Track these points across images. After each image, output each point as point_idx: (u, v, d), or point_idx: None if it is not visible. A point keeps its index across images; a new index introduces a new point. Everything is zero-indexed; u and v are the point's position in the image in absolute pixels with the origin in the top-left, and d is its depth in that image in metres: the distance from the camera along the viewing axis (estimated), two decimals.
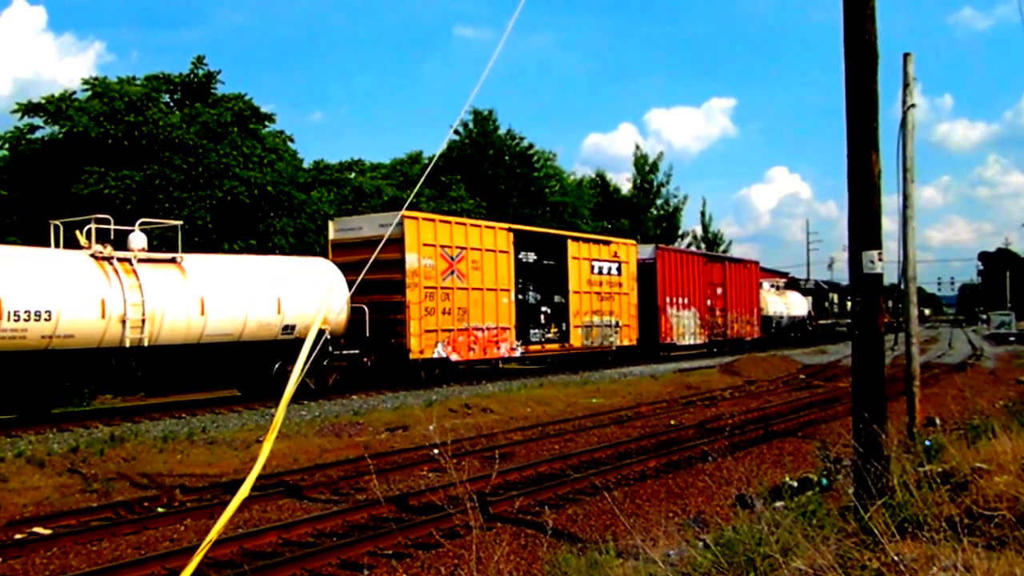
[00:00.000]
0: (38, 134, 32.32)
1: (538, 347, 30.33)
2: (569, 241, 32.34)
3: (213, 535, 4.73)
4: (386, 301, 24.35)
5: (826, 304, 66.38)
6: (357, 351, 23.73)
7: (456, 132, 44.37)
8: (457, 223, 27.30)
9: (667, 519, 9.66)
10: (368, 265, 8.64)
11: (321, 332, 21.85)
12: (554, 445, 15.96)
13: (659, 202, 62.33)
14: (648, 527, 8.86)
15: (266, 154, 32.99)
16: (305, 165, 37.87)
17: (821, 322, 62.89)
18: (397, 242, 24.45)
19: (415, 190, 9.79)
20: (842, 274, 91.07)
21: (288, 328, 21.55)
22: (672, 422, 18.72)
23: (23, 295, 16.77)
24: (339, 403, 20.88)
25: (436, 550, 8.90)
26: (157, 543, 9.43)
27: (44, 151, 31.22)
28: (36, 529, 9.85)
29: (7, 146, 32.54)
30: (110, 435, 15.69)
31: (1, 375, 16.92)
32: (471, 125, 45.37)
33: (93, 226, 18.95)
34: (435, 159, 10.54)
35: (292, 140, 37.43)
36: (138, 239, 19.63)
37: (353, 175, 39.09)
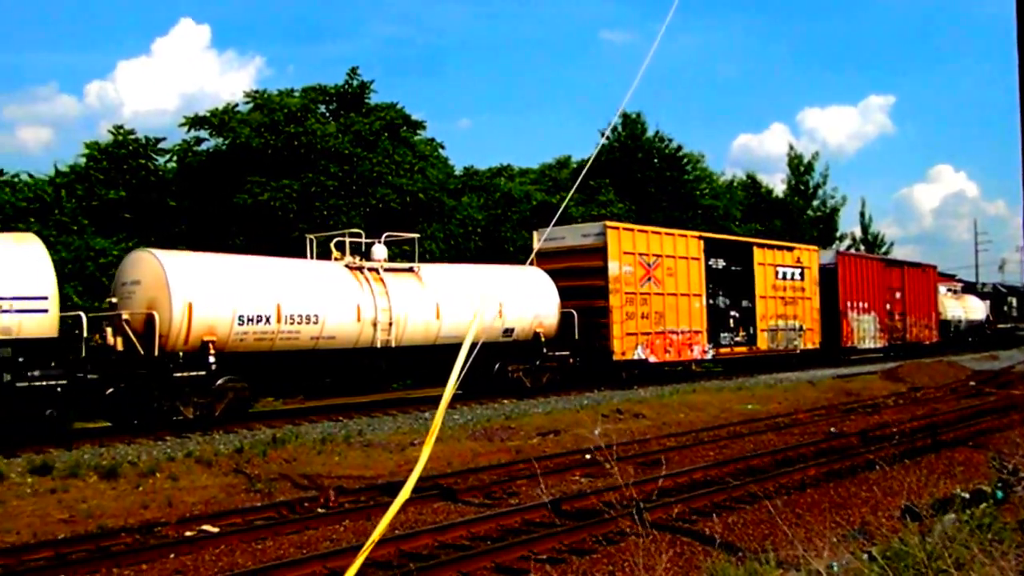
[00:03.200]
0: (204, 146, 33.96)
1: (727, 350, 31.13)
2: (755, 248, 33.21)
3: (376, 536, 4.69)
4: (590, 306, 25.72)
5: (1004, 308, 62.84)
6: (567, 352, 25.10)
7: (605, 136, 44.09)
8: (653, 232, 28.44)
9: (829, 529, 9.17)
10: (523, 257, 8.52)
11: (537, 335, 23.90)
12: (708, 452, 15.51)
13: (815, 203, 60.03)
14: (809, 537, 8.41)
15: (417, 161, 33.55)
16: (456, 171, 38.37)
17: (1000, 326, 59.75)
18: (599, 251, 26.09)
19: (567, 197, 9.61)
20: (1015, 276, 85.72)
21: (508, 331, 23.33)
22: (832, 429, 17.90)
23: (296, 301, 18.95)
24: (491, 407, 20.98)
25: (591, 555, 8.74)
26: (318, 543, 9.59)
27: (209, 162, 32.74)
28: (205, 527, 10.19)
29: (175, 158, 34.33)
30: (272, 437, 16.17)
31: (279, 370, 19.27)
32: (620, 128, 44.95)
33: (347, 240, 21.15)
34: (588, 164, 10.33)
35: (443, 147, 37.95)
36: (380, 250, 21.66)
37: (502, 180, 39.33)
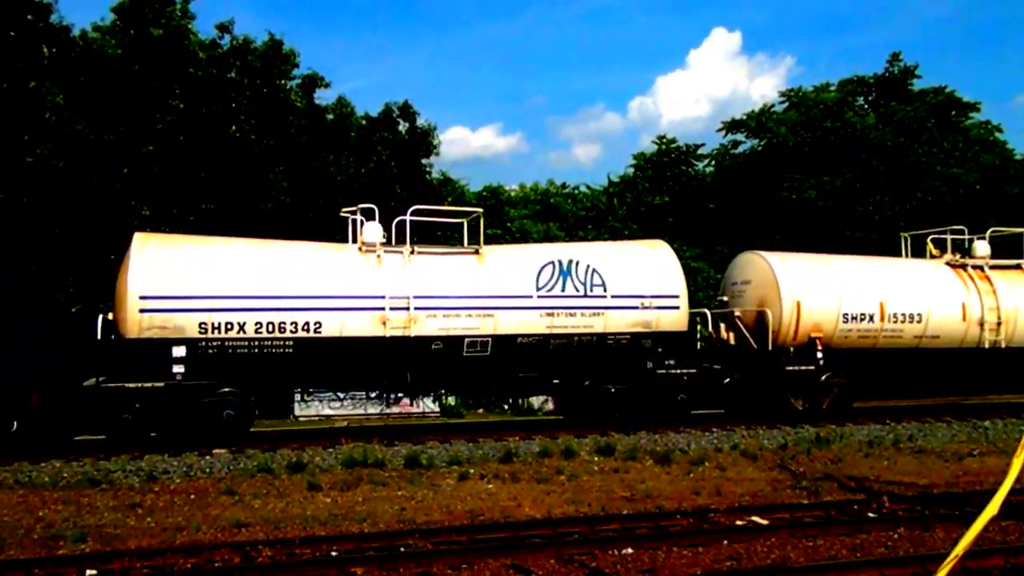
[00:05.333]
0: (740, 149, 34.70)
1: None
2: None
3: (960, 549, 4.36)
4: None
5: None
6: None
7: None
8: None
9: None
10: None
11: None
12: None
13: None
14: None
15: (969, 147, 30.80)
16: (1016, 156, 34.43)
17: None
18: None
19: None
20: None
21: None
22: None
23: (899, 300, 19.41)
24: None
25: None
26: (871, 547, 9.17)
27: (745, 163, 33.36)
28: (754, 518, 10.32)
29: (713, 163, 35.56)
30: (816, 436, 15.96)
31: (879, 367, 19.58)
32: None
33: (948, 236, 21.11)
34: None
35: (1000, 130, 34.32)
36: (982, 247, 21.15)
37: None
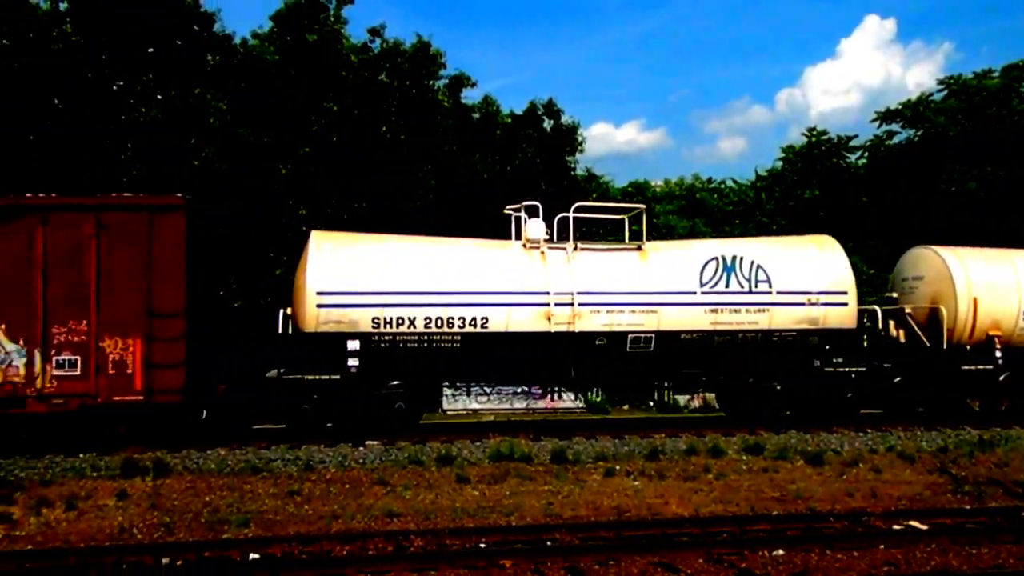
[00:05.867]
0: (895, 140, 33.32)
1: None
2: None
3: None
4: None
5: None
6: None
7: None
8: None
9: None
10: None
11: None
12: None
13: None
14: None
15: None
16: None
17: None
18: None
19: None
20: None
21: None
22: None
23: None
24: None
25: None
26: None
27: (901, 154, 32.01)
28: (912, 522, 9.96)
29: (866, 154, 34.26)
30: (979, 439, 15.23)
31: None
32: None
33: None
34: None
35: None
36: None
37: None
